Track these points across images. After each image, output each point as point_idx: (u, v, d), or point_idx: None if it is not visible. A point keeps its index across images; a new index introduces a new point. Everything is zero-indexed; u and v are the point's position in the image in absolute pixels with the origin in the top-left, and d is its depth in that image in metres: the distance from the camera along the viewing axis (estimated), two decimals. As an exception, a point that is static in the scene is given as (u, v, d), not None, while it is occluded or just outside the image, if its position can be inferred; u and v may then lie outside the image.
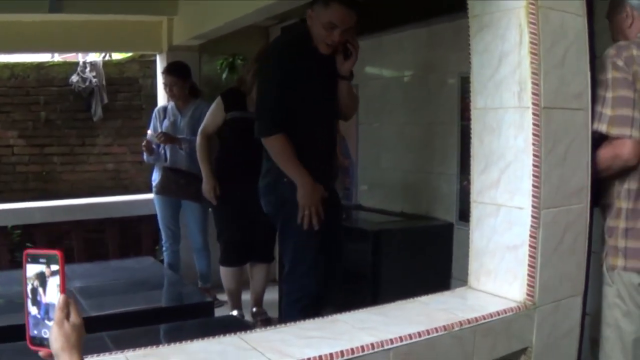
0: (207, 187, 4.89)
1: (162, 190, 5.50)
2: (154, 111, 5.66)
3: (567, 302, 2.34)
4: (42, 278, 1.36)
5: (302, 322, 2.18)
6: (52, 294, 1.36)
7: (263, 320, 4.94)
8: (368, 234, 4.37)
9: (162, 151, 5.48)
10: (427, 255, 4.34)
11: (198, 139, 4.91)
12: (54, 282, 1.36)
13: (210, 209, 5.22)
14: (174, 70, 5.41)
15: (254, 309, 5.08)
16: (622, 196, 2.54)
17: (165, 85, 5.44)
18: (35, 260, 1.36)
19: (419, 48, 4.66)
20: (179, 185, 5.38)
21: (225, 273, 5.00)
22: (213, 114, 4.87)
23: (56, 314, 1.34)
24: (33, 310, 1.37)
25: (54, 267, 1.36)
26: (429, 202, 4.61)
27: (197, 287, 5.34)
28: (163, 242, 5.68)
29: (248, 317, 5.03)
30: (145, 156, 5.58)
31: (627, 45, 2.49)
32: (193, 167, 5.16)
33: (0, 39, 5.72)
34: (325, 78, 3.47)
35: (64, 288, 1.34)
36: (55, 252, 1.35)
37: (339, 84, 3.50)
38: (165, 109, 5.57)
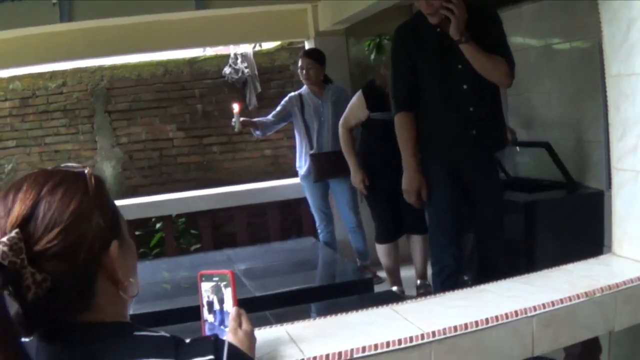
0: (355, 179, 5.01)
1: (319, 177, 5.59)
2: (287, 98, 5.72)
3: None
4: (217, 290, 1.57)
5: (451, 292, 2.30)
6: (227, 304, 1.56)
7: (426, 293, 4.84)
8: (519, 205, 4.38)
9: (305, 139, 5.64)
10: (579, 224, 4.27)
11: (341, 130, 5.02)
12: (228, 295, 1.56)
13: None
14: (311, 54, 5.59)
15: (418, 282, 5.10)
16: None
17: (302, 68, 5.55)
18: (209, 279, 1.57)
19: (558, 16, 4.59)
20: (332, 163, 5.45)
21: (380, 250, 5.10)
22: (355, 109, 4.94)
23: (230, 323, 1.55)
24: (209, 318, 1.59)
25: (225, 284, 1.56)
26: (578, 171, 4.53)
27: (357, 265, 5.47)
28: (317, 224, 5.83)
29: (410, 293, 5.07)
30: (257, 132, 5.70)
31: None
32: (337, 146, 5.24)
33: (153, 38, 6.10)
34: (448, 49, 3.40)
35: (235, 301, 1.55)
36: (227, 273, 1.56)
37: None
38: (300, 96, 5.66)
